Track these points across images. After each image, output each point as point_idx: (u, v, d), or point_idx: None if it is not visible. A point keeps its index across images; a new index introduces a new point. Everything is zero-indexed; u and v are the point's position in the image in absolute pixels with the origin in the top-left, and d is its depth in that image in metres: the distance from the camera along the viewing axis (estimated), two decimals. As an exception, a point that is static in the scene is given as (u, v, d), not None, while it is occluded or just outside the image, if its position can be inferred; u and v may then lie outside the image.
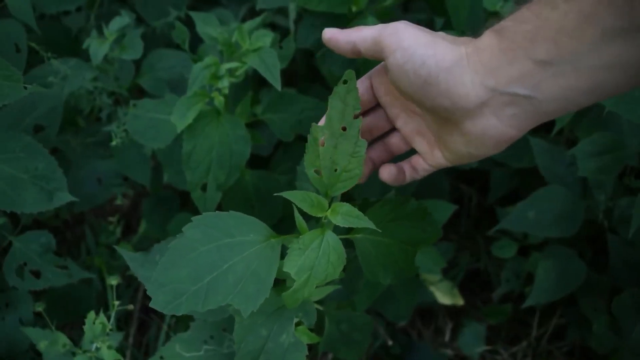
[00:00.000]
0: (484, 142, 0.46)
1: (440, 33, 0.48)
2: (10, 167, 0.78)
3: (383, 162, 0.58)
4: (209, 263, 0.54)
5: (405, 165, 0.57)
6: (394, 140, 0.57)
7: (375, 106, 0.56)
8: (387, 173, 0.56)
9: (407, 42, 0.46)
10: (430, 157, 0.54)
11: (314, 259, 0.53)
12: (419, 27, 0.47)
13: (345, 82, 0.52)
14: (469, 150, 0.48)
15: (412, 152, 0.57)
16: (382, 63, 0.53)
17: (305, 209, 0.55)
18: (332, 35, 0.52)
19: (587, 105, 0.43)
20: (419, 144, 0.55)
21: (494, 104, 0.43)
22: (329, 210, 0.55)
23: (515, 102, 0.43)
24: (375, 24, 0.50)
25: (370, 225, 0.53)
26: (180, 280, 0.53)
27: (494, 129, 0.45)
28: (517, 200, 1.02)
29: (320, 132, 0.54)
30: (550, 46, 0.39)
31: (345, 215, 0.54)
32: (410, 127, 0.55)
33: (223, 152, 0.79)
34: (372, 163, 0.57)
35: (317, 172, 0.55)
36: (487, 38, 0.43)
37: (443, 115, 0.47)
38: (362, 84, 0.54)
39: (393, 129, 0.57)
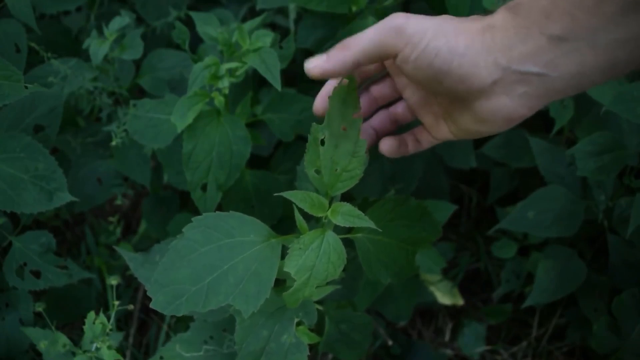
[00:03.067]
0: (494, 120, 0.45)
1: (445, 15, 0.46)
2: (10, 167, 0.78)
3: (386, 133, 0.56)
4: (210, 263, 0.54)
5: (408, 137, 0.56)
6: (400, 110, 0.56)
7: (383, 76, 0.55)
8: (386, 145, 0.55)
9: (415, 38, 0.44)
10: (435, 130, 0.53)
11: (315, 259, 0.53)
12: (419, 15, 0.45)
13: (344, 81, 0.52)
14: (477, 127, 0.47)
15: (417, 122, 0.56)
16: None
17: (306, 209, 0.55)
18: (313, 66, 0.48)
19: (599, 83, 0.42)
20: (425, 117, 0.54)
21: (505, 82, 0.43)
22: (330, 210, 0.55)
23: (526, 80, 0.42)
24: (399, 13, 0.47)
25: (371, 224, 0.53)
26: (180, 281, 0.53)
27: (504, 107, 0.44)
28: (517, 200, 1.02)
29: (321, 132, 0.54)
30: (566, 21, 0.39)
31: (345, 215, 0.54)
32: (417, 98, 0.53)
33: (223, 152, 0.79)
34: (375, 132, 0.56)
35: (317, 171, 0.55)
36: (501, 15, 0.42)
37: (455, 97, 0.46)
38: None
39: (399, 98, 0.56)
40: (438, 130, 0.52)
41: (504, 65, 0.42)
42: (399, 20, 0.45)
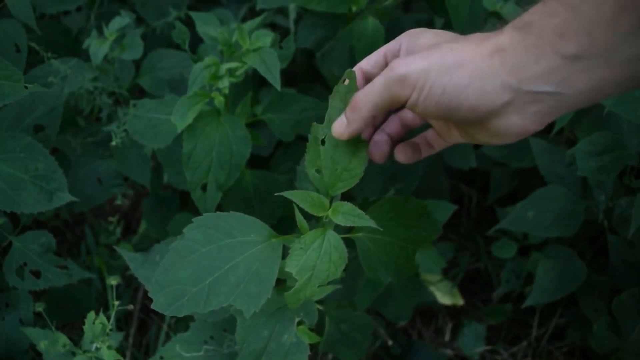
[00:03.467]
0: (507, 136, 0.45)
1: (443, 46, 0.45)
2: (10, 167, 0.78)
3: (399, 137, 0.56)
4: (210, 264, 0.54)
5: (420, 141, 0.56)
6: (410, 115, 0.56)
7: None
8: (402, 153, 0.55)
9: (419, 83, 0.44)
10: (447, 135, 0.53)
11: (316, 259, 0.53)
12: (420, 55, 0.45)
13: (345, 81, 0.52)
14: (490, 140, 0.47)
15: (427, 125, 0.56)
16: (397, 40, 0.52)
17: (307, 209, 0.55)
18: (341, 131, 0.51)
19: (612, 95, 0.42)
20: (437, 123, 0.54)
21: (517, 102, 0.42)
22: (330, 210, 0.55)
23: (539, 99, 0.42)
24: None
25: (372, 224, 0.53)
26: (181, 282, 0.53)
27: (516, 126, 0.44)
28: (517, 200, 1.02)
29: (321, 132, 0.54)
30: (581, 39, 0.38)
31: (346, 214, 0.54)
32: None
33: (223, 152, 0.79)
34: (390, 139, 0.56)
35: (318, 171, 0.55)
36: (509, 36, 0.42)
37: (467, 122, 0.46)
38: (378, 56, 0.53)
39: None
40: (450, 135, 0.53)
41: (515, 86, 0.42)
42: (401, 69, 0.45)
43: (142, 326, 1.15)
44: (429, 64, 0.44)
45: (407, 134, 0.58)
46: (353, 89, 0.52)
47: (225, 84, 0.76)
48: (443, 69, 0.43)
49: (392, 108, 0.48)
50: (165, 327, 1.08)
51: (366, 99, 0.48)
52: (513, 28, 0.42)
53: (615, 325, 0.93)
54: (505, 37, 0.42)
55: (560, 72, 0.40)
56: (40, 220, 1.18)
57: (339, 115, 0.53)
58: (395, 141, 0.56)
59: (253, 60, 0.75)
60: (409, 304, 1.07)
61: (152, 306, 0.53)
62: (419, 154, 0.56)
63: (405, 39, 0.51)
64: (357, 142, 0.54)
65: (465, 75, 0.42)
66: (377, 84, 0.47)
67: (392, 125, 0.56)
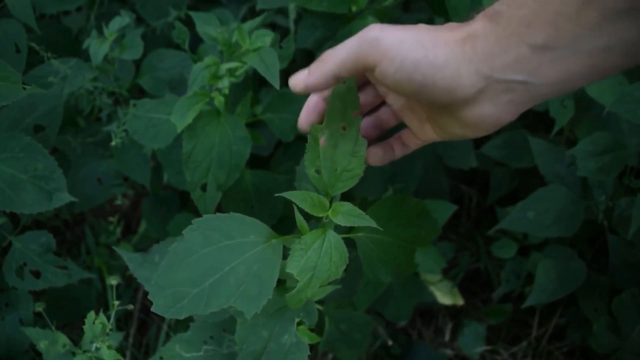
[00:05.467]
0: (480, 127, 0.45)
1: (421, 25, 0.45)
2: (10, 167, 0.78)
3: (373, 139, 0.56)
4: (210, 265, 0.54)
5: (394, 141, 0.56)
6: (384, 116, 0.56)
7: (365, 83, 0.55)
8: (373, 156, 0.55)
9: (392, 52, 0.43)
10: (421, 133, 0.53)
11: (317, 259, 0.53)
12: (396, 26, 0.44)
13: (344, 81, 0.52)
14: (463, 132, 0.47)
15: (402, 125, 0.56)
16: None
17: (307, 209, 0.54)
18: (297, 81, 0.48)
19: (583, 86, 0.42)
20: (410, 120, 0.54)
21: (490, 91, 0.42)
22: (330, 210, 0.55)
23: (511, 88, 0.42)
24: (375, 25, 0.48)
25: (372, 223, 0.53)
26: (181, 284, 0.53)
27: (490, 115, 0.44)
28: (517, 200, 1.02)
29: (320, 132, 0.54)
30: (548, 30, 0.39)
31: (346, 214, 0.54)
32: (400, 104, 0.54)
33: (223, 152, 0.79)
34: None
35: (317, 171, 0.55)
36: (480, 24, 0.42)
37: (439, 106, 0.46)
38: None
39: (382, 103, 0.56)
40: (424, 132, 0.52)
41: (487, 74, 0.42)
42: (374, 32, 0.44)
43: (142, 326, 1.15)
44: (404, 35, 0.43)
45: (381, 136, 0.57)
46: (352, 89, 0.52)
47: (225, 84, 0.76)
48: (418, 43, 0.42)
49: (356, 71, 0.47)
50: (165, 327, 1.09)
51: (334, 53, 0.47)
52: (484, 16, 0.42)
53: (615, 325, 0.93)
54: (476, 25, 0.42)
55: (529, 62, 0.40)
56: (40, 220, 1.18)
57: (338, 114, 0.53)
58: (369, 143, 0.56)
59: (253, 60, 0.75)
60: (409, 304, 1.07)
61: (152, 309, 0.52)
62: (391, 155, 0.56)
63: None
64: (356, 142, 0.54)
65: (441, 55, 0.42)
66: (348, 42, 0.46)
67: (366, 128, 0.56)
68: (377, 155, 0.55)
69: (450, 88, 0.43)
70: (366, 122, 0.56)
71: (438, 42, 0.42)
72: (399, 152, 0.56)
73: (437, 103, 0.45)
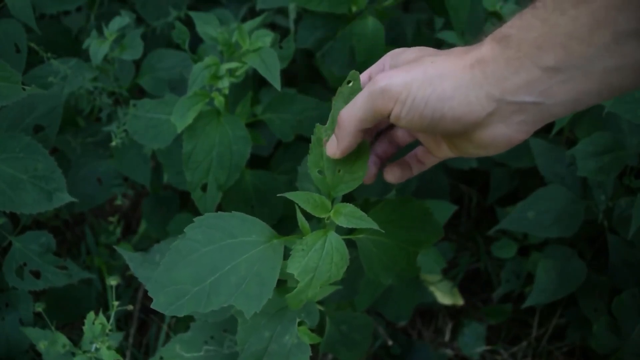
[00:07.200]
0: (493, 147, 0.46)
1: (425, 59, 0.46)
2: (10, 167, 0.78)
3: (389, 157, 0.57)
4: (211, 264, 0.54)
5: (411, 159, 0.57)
6: (399, 133, 0.57)
7: None
8: (391, 174, 0.56)
9: (402, 96, 0.44)
10: (437, 151, 0.53)
11: (318, 260, 0.53)
12: (401, 69, 0.45)
13: (349, 82, 0.52)
14: (477, 151, 0.48)
15: (417, 142, 0.56)
16: (381, 61, 0.53)
17: (309, 210, 0.54)
18: (333, 151, 0.52)
19: (595, 104, 0.43)
20: (425, 139, 0.54)
21: (501, 113, 0.43)
22: (332, 211, 0.55)
23: (523, 109, 0.42)
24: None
25: (374, 225, 0.53)
26: (182, 281, 0.53)
27: (502, 135, 0.44)
28: (517, 200, 1.02)
29: (324, 133, 0.54)
30: (559, 52, 0.39)
31: (348, 216, 0.54)
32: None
33: (223, 152, 0.78)
34: (379, 160, 0.57)
35: (320, 172, 0.55)
36: (489, 48, 0.42)
37: (453, 133, 0.47)
38: (364, 77, 0.54)
39: None
40: (440, 150, 0.53)
41: (498, 97, 0.42)
42: (382, 83, 0.45)
43: (142, 326, 1.15)
44: (411, 76, 0.44)
45: (397, 153, 0.58)
46: (357, 90, 0.52)
47: (225, 84, 0.76)
48: (425, 81, 0.44)
49: (376, 121, 0.48)
50: (165, 327, 1.08)
51: (350, 115, 0.49)
52: (492, 40, 0.43)
53: (615, 325, 0.93)
54: (485, 49, 0.43)
55: (540, 84, 0.41)
56: (40, 221, 1.18)
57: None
58: (385, 160, 0.57)
59: (253, 60, 0.75)
60: (409, 304, 1.07)
61: (152, 305, 0.52)
62: (409, 173, 0.57)
63: (388, 58, 0.52)
64: (359, 145, 0.54)
65: (448, 86, 0.43)
66: (359, 98, 0.48)
67: (382, 146, 0.57)
68: (395, 174, 0.56)
69: (461, 115, 0.43)
70: (382, 142, 0.57)
71: (444, 73, 0.43)
72: (415, 170, 0.57)
73: (449, 132, 0.46)
